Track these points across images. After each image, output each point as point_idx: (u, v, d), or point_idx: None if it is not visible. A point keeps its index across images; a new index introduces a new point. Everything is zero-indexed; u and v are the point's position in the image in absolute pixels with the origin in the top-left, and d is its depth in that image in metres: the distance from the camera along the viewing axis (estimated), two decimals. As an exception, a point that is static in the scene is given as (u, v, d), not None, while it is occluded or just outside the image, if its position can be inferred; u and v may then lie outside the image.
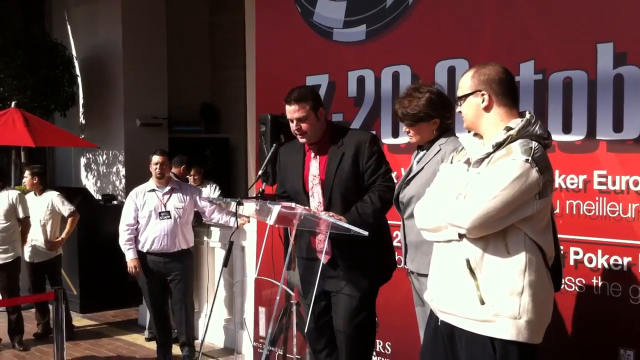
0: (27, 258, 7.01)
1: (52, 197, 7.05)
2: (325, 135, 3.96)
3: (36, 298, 6.92)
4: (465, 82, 2.86)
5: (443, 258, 2.88)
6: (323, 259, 3.88)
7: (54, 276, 7.17)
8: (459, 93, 2.88)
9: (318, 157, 3.98)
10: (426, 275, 3.47)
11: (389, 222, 4.08)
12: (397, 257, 4.07)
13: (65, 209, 7.05)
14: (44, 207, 7.03)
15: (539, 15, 4.08)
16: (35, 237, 6.97)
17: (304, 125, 3.88)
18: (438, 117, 3.60)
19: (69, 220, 7.06)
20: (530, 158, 2.62)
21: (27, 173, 7.20)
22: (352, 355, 3.94)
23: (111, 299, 8.20)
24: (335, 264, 3.90)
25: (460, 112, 2.90)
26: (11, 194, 6.72)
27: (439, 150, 3.56)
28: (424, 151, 3.66)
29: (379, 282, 4.01)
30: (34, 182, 7.08)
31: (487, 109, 2.81)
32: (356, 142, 3.88)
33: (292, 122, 3.91)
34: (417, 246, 3.59)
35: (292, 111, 3.88)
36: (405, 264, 3.75)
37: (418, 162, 3.68)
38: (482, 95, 2.80)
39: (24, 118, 7.94)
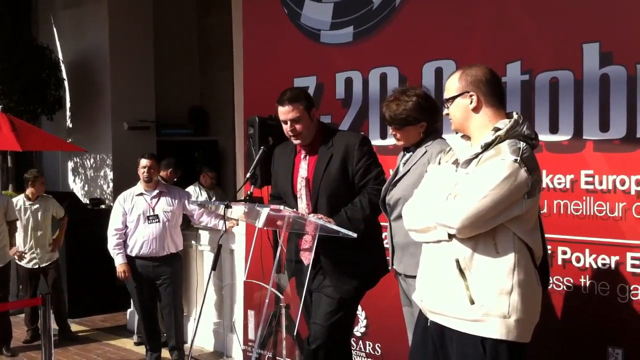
0: (27, 264, 7.04)
1: (50, 201, 7.12)
2: (317, 136, 3.93)
3: (23, 303, 6.87)
4: (453, 84, 2.87)
5: (432, 259, 2.88)
6: (306, 259, 3.87)
7: (57, 281, 7.18)
8: (446, 95, 2.89)
9: (308, 158, 3.96)
10: (413, 277, 3.47)
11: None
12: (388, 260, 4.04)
13: (61, 210, 7.18)
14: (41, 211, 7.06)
15: (526, 16, 4.10)
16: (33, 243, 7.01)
17: (298, 126, 3.84)
18: (425, 120, 3.59)
19: (63, 221, 7.18)
20: (519, 158, 2.63)
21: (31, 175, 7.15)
22: (326, 347, 3.86)
23: (100, 304, 8.15)
24: (318, 262, 3.86)
25: (447, 114, 2.91)
26: (0, 198, 6.70)
27: (425, 152, 3.56)
28: (410, 153, 3.66)
29: (364, 286, 3.95)
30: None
31: (476, 110, 2.82)
32: (345, 144, 3.85)
33: (286, 123, 3.86)
34: (404, 248, 3.59)
35: (285, 112, 3.84)
36: (392, 265, 3.74)
37: (404, 163, 3.67)
38: (471, 96, 2.81)
39: (10, 122, 7.88)
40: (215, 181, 8.26)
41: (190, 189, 7.82)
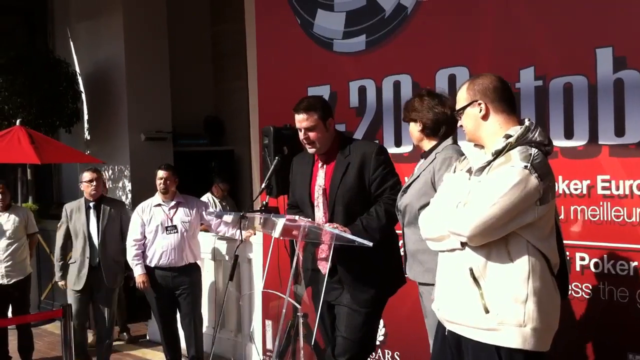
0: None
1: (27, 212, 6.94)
2: (334, 145, 3.95)
3: (43, 316, 6.92)
4: (462, 95, 2.89)
5: (448, 267, 2.88)
6: (323, 268, 3.88)
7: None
8: (457, 107, 2.90)
9: (325, 167, 3.97)
10: (423, 284, 3.49)
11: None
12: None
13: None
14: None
15: (538, 22, 4.09)
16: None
17: (312, 135, 3.86)
18: (419, 119, 3.64)
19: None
20: (529, 164, 2.62)
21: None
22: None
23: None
24: (335, 273, 3.88)
25: (461, 125, 2.92)
26: (21, 210, 6.78)
27: (434, 159, 3.58)
28: (423, 159, 3.68)
29: (383, 295, 3.95)
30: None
31: (485, 117, 2.82)
32: (362, 153, 3.86)
33: (301, 130, 3.90)
34: (414, 254, 3.60)
35: (300, 120, 3.87)
36: (406, 272, 3.76)
37: (418, 169, 3.70)
38: (479, 104, 2.82)
39: (29, 135, 7.97)
40: (227, 192, 8.30)
41: (203, 199, 7.90)
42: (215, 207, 7.99)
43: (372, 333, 3.98)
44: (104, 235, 6.14)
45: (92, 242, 6.14)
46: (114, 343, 7.18)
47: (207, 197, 7.99)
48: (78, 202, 6.33)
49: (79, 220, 6.20)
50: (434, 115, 3.60)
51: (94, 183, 6.18)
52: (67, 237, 6.30)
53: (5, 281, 6.53)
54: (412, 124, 3.70)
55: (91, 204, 6.22)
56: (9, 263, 6.54)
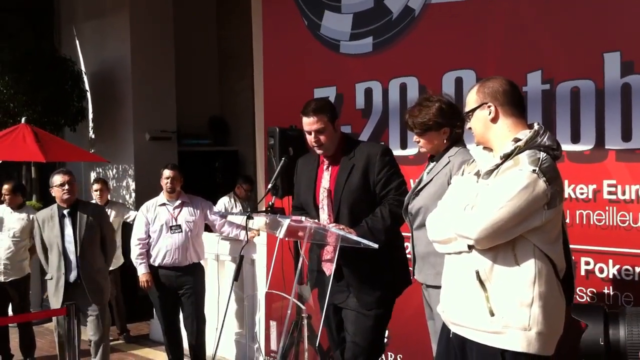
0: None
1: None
2: (339, 147, 3.94)
3: (46, 314, 6.92)
4: (472, 97, 2.89)
5: (454, 270, 2.88)
6: (328, 270, 3.88)
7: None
8: (467, 109, 2.90)
9: (330, 168, 3.97)
10: (434, 287, 3.48)
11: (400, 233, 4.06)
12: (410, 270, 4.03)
13: None
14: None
15: (546, 26, 4.09)
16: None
17: (322, 137, 3.85)
18: (447, 125, 3.60)
19: None
20: (537, 169, 2.62)
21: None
22: None
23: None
24: (341, 275, 3.87)
25: (469, 127, 2.92)
26: (32, 212, 6.78)
27: (448, 162, 3.57)
28: (435, 162, 3.67)
29: (388, 297, 3.94)
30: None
31: (494, 120, 2.82)
32: (367, 154, 3.86)
33: (310, 134, 3.87)
34: (425, 257, 3.59)
35: (310, 123, 3.85)
36: (414, 275, 3.75)
37: (428, 173, 3.68)
38: (489, 107, 2.82)
39: (34, 133, 8.00)
40: (250, 192, 8.33)
41: (225, 199, 7.96)
42: (236, 208, 8.04)
43: (381, 335, 3.98)
44: (83, 245, 5.41)
45: (66, 256, 5.41)
46: (112, 343, 7.20)
47: (228, 199, 8.05)
48: (50, 209, 5.55)
49: (52, 231, 5.44)
50: (453, 116, 3.57)
51: (66, 187, 5.39)
52: (44, 249, 5.57)
53: (2, 278, 6.58)
54: (431, 134, 3.59)
55: (65, 211, 5.46)
56: (7, 262, 6.57)
